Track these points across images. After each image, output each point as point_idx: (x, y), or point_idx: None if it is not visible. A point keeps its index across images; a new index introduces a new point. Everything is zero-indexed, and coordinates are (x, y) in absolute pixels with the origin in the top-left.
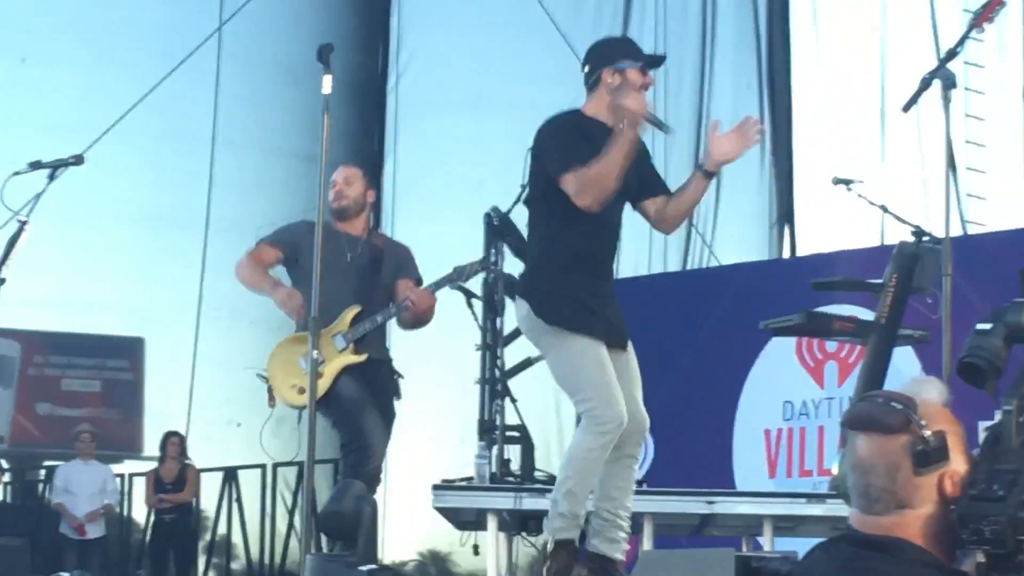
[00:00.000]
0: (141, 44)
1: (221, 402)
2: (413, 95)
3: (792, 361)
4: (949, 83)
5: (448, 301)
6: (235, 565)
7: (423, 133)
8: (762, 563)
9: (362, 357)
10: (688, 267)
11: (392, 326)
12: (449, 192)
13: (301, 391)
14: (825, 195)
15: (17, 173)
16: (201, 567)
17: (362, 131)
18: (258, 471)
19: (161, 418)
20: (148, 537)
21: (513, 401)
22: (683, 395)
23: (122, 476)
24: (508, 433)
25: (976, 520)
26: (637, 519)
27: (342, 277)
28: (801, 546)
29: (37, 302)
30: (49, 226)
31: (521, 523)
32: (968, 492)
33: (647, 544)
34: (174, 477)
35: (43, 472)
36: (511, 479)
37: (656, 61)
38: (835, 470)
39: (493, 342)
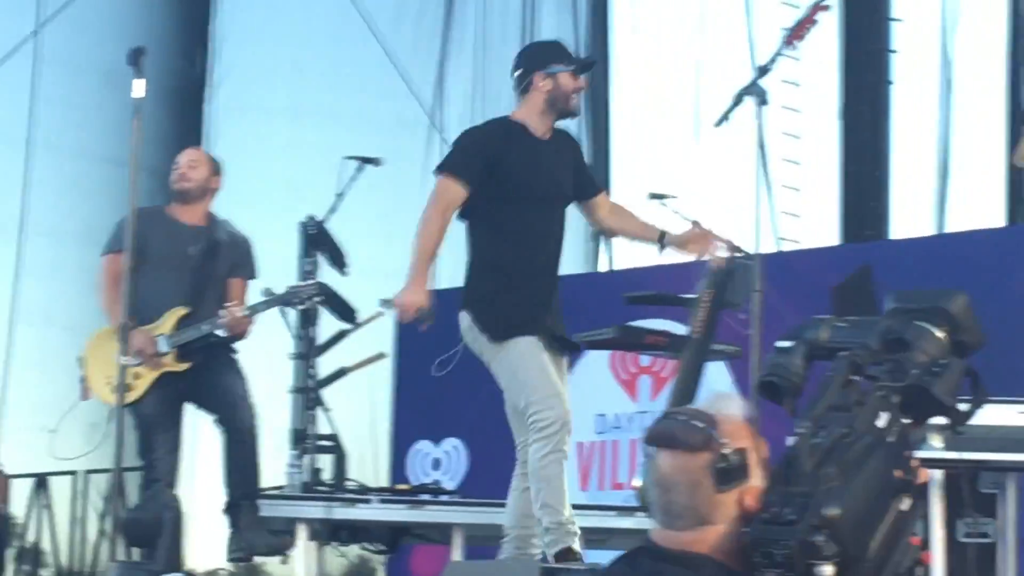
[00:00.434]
0: None
1: (34, 408)
2: (231, 101)
3: (606, 374)
4: (761, 99)
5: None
6: (44, 573)
7: (240, 140)
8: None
9: (183, 366)
10: None
11: None
12: (265, 200)
13: (115, 389)
14: (642, 210)
15: None
16: (10, 575)
17: (180, 136)
18: (69, 478)
19: None
20: None
21: (326, 411)
22: (498, 405)
23: None
24: (321, 443)
25: (767, 544)
26: (447, 530)
27: (178, 272)
28: (612, 558)
29: None
30: None
31: (332, 533)
32: (760, 515)
33: (457, 555)
34: None
35: None
36: (323, 489)
37: (587, 65)
38: (639, 483)
39: (307, 351)
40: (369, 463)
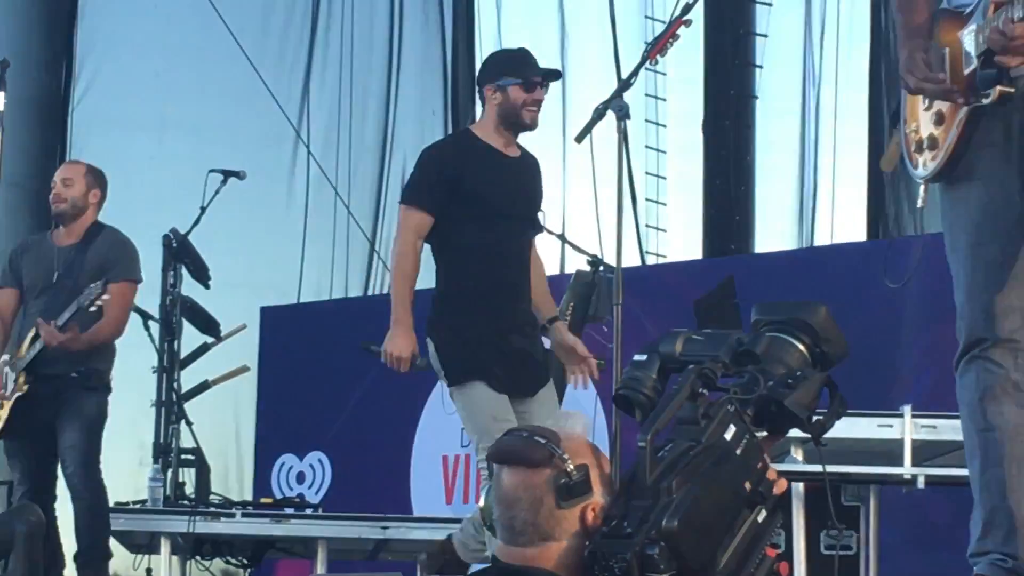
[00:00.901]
0: None
1: None
2: (95, 114)
3: None
4: (623, 114)
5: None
6: None
7: (104, 152)
8: None
9: (23, 390)
10: (370, 292)
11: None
12: (129, 213)
13: None
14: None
15: None
16: None
17: (44, 149)
18: None
19: None
20: None
21: (189, 424)
22: (362, 419)
23: None
24: (184, 456)
25: (606, 557)
26: (311, 544)
27: (46, 297)
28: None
29: None
30: None
31: (195, 546)
32: (602, 529)
33: (320, 569)
34: None
35: None
36: (185, 502)
37: (549, 75)
38: (482, 502)
39: (170, 364)
40: (233, 477)
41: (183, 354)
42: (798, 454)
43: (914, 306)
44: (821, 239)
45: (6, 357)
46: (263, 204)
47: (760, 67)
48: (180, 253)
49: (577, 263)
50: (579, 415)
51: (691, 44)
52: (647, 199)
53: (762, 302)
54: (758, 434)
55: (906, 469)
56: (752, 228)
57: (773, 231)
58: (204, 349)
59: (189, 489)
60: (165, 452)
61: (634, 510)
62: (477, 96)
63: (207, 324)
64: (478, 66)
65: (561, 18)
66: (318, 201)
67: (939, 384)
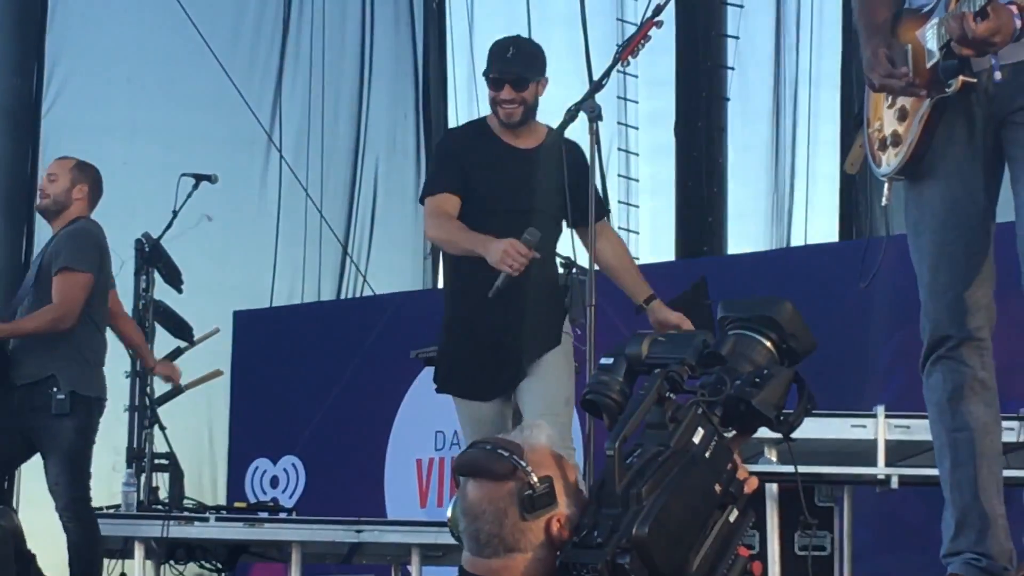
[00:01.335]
0: None
1: None
2: (66, 120)
3: None
4: (595, 115)
5: None
6: None
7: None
8: None
9: None
10: (343, 296)
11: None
12: (101, 217)
13: None
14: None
15: None
16: None
17: (16, 156)
18: None
19: None
20: None
21: (162, 429)
22: (336, 423)
23: None
24: (157, 461)
25: (576, 568)
26: (285, 548)
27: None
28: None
29: None
30: None
31: (169, 551)
32: (571, 539)
33: (295, 573)
34: None
35: None
36: (159, 507)
37: (504, 75)
38: (449, 513)
39: (143, 369)
40: (207, 481)
41: (156, 358)
42: (772, 455)
43: (886, 306)
44: (795, 240)
45: None
46: (235, 208)
47: (732, 69)
48: (152, 257)
49: None
50: (543, 425)
51: (662, 46)
52: (619, 201)
53: (727, 300)
54: (727, 434)
55: (880, 469)
56: (725, 230)
57: (745, 232)
58: (177, 353)
59: (163, 494)
60: (139, 457)
61: (604, 519)
62: None
63: (180, 328)
64: (449, 69)
65: (529, 21)
66: (290, 205)
67: (912, 384)
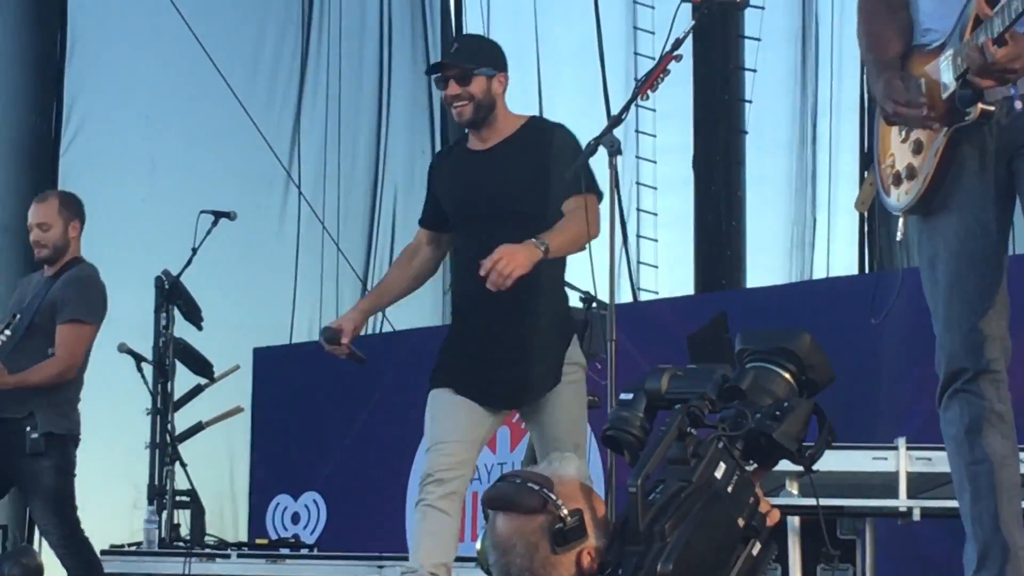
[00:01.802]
0: None
1: None
2: (85, 156)
3: None
4: (614, 150)
5: (118, 364)
6: None
7: (95, 194)
8: None
9: None
10: (361, 332)
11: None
12: (120, 255)
13: None
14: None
15: None
16: None
17: (34, 193)
18: None
19: None
20: None
21: (183, 466)
22: (357, 459)
23: None
24: (178, 498)
25: None
26: None
27: (13, 335)
28: None
29: None
30: None
31: None
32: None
33: None
34: None
35: None
36: (180, 544)
37: (431, 69)
38: (479, 547)
39: (163, 406)
40: (228, 518)
41: (176, 396)
42: (793, 487)
43: (904, 339)
44: (817, 273)
45: None
46: (254, 244)
47: (749, 102)
48: (172, 294)
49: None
50: (572, 457)
51: (678, 79)
52: (637, 235)
53: (746, 330)
54: (748, 468)
55: (902, 502)
56: (743, 263)
57: (764, 265)
58: (198, 390)
59: (184, 531)
60: (160, 494)
61: (628, 556)
62: None
63: (200, 365)
64: None
65: (537, 55)
66: (309, 240)
67: (933, 416)
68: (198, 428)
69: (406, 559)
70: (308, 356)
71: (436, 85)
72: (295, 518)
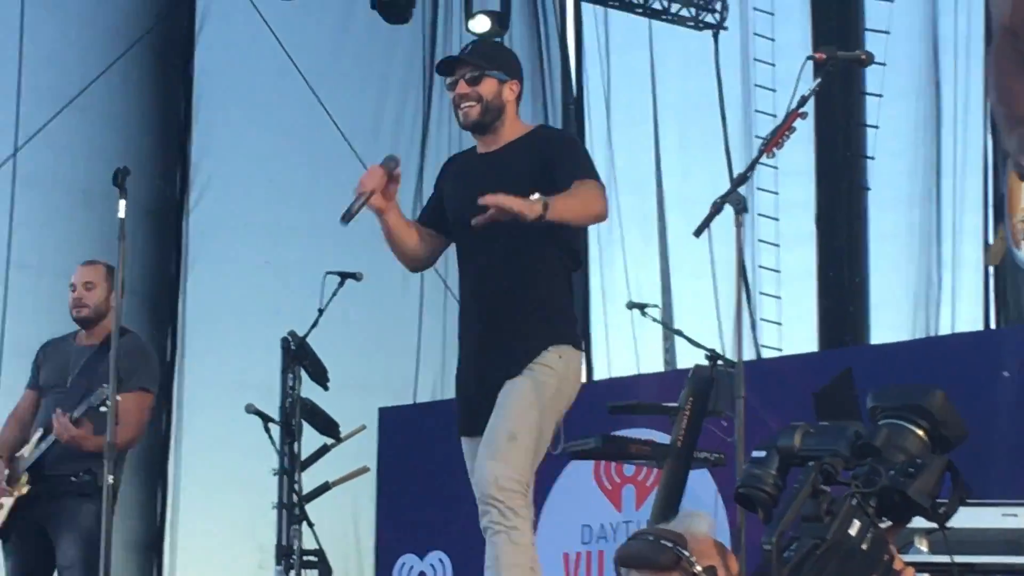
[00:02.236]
0: None
1: None
2: (210, 219)
3: (590, 484)
4: (741, 208)
5: (246, 424)
6: None
7: (220, 257)
8: None
9: (23, 491)
10: None
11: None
12: (245, 317)
13: None
14: (620, 319)
15: None
16: None
17: (160, 256)
18: None
19: None
20: None
21: (310, 525)
22: None
23: None
24: (306, 558)
25: None
26: None
27: (62, 396)
28: None
29: None
30: None
31: None
32: None
33: None
34: None
35: None
36: None
37: (441, 69)
38: None
39: (291, 466)
40: None
41: (303, 456)
42: (923, 544)
43: None
44: (943, 329)
45: (21, 452)
46: (379, 305)
47: (872, 158)
48: (299, 355)
49: (691, 358)
50: (704, 515)
51: (800, 136)
52: (760, 292)
53: (878, 387)
54: (882, 525)
55: None
56: (867, 319)
57: (887, 322)
58: (324, 450)
59: None
60: (287, 554)
61: None
62: None
63: (327, 426)
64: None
65: (655, 111)
66: (432, 301)
67: None
68: (324, 488)
69: None
70: (433, 415)
71: (447, 87)
72: None
